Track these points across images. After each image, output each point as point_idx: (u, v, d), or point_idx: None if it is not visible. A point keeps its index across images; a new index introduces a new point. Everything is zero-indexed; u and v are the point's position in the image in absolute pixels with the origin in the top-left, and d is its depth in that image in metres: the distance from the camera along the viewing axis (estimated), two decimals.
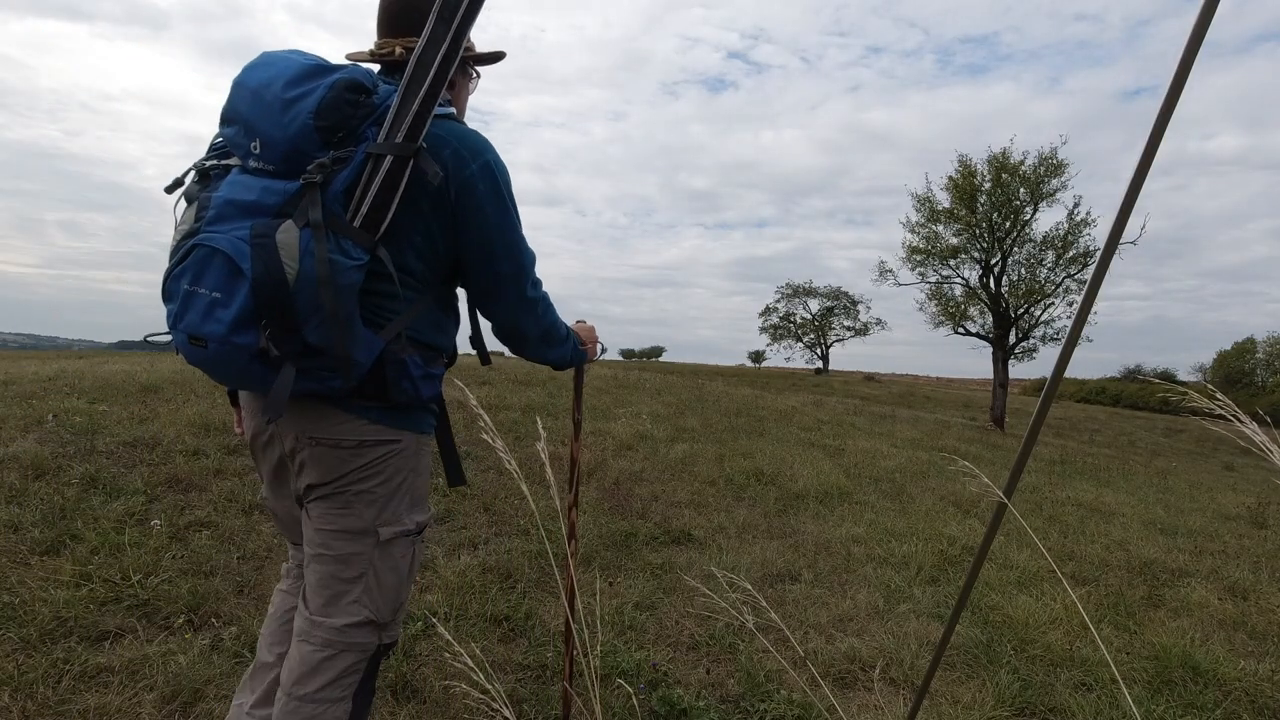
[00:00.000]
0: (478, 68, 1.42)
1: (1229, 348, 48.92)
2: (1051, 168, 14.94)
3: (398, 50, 1.29)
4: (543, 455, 1.20)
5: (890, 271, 17.47)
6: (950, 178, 15.91)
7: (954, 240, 16.16)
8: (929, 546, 3.94)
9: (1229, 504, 7.12)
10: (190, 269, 1.12)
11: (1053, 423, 19.70)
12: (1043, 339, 16.00)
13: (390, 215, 1.16)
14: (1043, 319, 15.81)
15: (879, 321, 41.53)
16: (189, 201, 1.23)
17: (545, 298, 1.44)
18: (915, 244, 16.60)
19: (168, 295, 1.17)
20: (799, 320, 43.08)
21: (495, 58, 1.42)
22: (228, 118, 1.21)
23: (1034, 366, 17.95)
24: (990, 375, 16.52)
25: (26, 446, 4.02)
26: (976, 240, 15.84)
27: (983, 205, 15.44)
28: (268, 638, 1.53)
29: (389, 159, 1.13)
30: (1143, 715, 2.27)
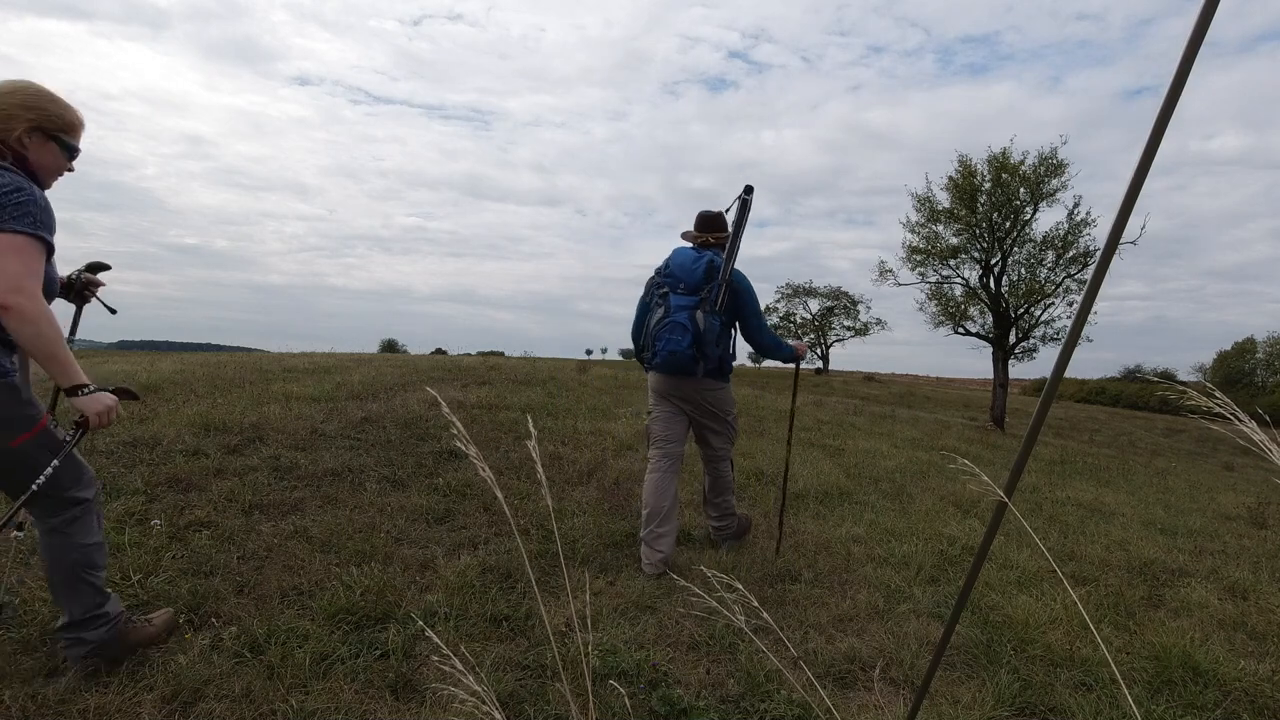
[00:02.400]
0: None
1: (1229, 348, 48.92)
2: (1051, 168, 14.90)
3: (710, 240, 3.42)
4: (534, 454, 1.20)
5: (890, 271, 17.41)
6: (950, 178, 15.87)
7: (954, 240, 16.12)
8: (929, 546, 3.94)
9: (1229, 504, 7.12)
10: (668, 329, 3.20)
11: (1053, 423, 19.69)
12: (1043, 339, 15.96)
13: (724, 303, 3.22)
14: (1043, 319, 15.77)
15: (879, 321, 41.41)
16: (659, 306, 3.29)
17: (770, 331, 3.46)
18: (915, 244, 16.54)
19: (656, 339, 3.24)
20: (799, 320, 43.06)
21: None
22: (667, 274, 3.32)
23: (1034, 366, 17.92)
24: (990, 375, 16.50)
25: None
26: (976, 240, 15.81)
27: (983, 205, 15.40)
28: (658, 494, 3.39)
29: (725, 284, 3.20)
30: (1143, 715, 2.27)
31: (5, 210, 1.75)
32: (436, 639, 1.21)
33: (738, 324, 3.40)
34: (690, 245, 3.44)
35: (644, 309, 3.45)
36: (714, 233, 3.44)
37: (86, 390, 1.90)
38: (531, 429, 1.34)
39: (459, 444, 1.28)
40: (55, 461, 1.90)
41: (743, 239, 3.24)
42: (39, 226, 1.80)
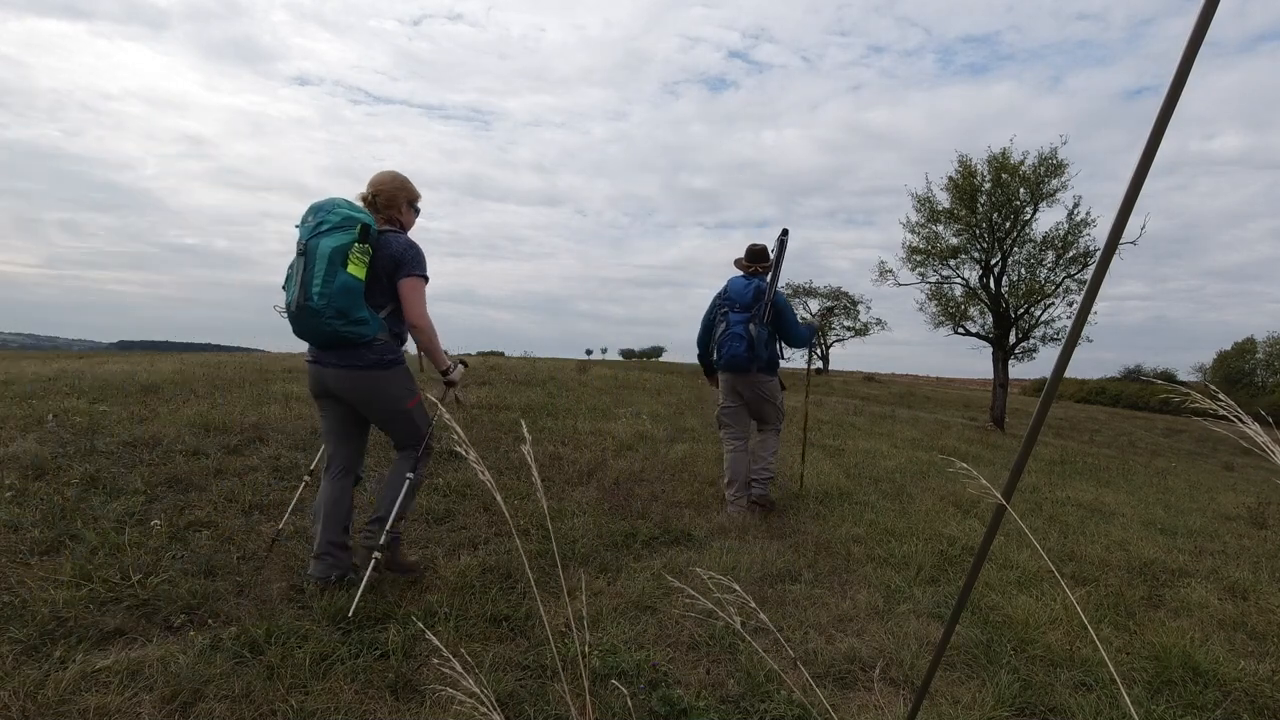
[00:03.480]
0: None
1: (1229, 348, 48.88)
2: (1051, 168, 14.89)
3: (757, 269, 4.61)
4: (528, 457, 1.20)
5: (890, 271, 17.39)
6: (950, 178, 15.86)
7: (954, 240, 16.11)
8: (929, 546, 3.93)
9: (1229, 504, 7.12)
10: (729, 339, 4.40)
11: (1053, 423, 19.69)
12: (1043, 339, 15.94)
13: (769, 317, 4.38)
14: (1043, 319, 15.76)
15: (879, 321, 41.36)
16: (721, 322, 4.51)
17: (801, 332, 4.60)
18: (915, 244, 16.53)
19: (722, 344, 4.44)
20: (799, 320, 42.94)
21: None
22: (726, 297, 4.54)
23: (1034, 366, 17.90)
24: (990, 375, 16.50)
25: (26, 446, 4.02)
26: (976, 240, 15.80)
27: (983, 205, 15.39)
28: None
29: (770, 301, 4.37)
30: (1143, 715, 2.27)
31: (413, 262, 2.73)
32: (436, 640, 1.20)
33: (780, 330, 4.58)
34: (742, 274, 4.61)
35: (708, 324, 4.68)
36: (760, 263, 4.61)
37: (452, 371, 3.00)
38: (526, 434, 1.34)
39: (459, 448, 1.28)
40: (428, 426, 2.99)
41: (782, 268, 4.51)
42: (425, 269, 2.78)
